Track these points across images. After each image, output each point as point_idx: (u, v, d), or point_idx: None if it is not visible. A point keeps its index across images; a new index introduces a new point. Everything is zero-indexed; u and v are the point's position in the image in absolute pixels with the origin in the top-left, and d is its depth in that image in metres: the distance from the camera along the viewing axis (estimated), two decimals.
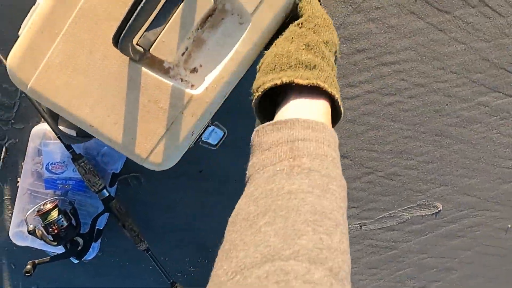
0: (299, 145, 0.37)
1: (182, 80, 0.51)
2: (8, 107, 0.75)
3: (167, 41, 0.49)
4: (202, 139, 0.57)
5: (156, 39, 0.49)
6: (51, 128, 0.69)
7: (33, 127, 0.75)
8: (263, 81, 0.43)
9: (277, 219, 0.33)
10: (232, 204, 0.39)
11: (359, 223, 0.94)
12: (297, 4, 0.49)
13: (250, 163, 0.40)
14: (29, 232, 0.70)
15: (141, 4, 0.42)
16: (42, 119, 0.77)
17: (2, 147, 0.77)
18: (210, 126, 0.56)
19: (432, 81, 0.84)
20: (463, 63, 0.84)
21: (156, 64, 0.50)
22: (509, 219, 1.00)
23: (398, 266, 0.99)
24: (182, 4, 0.48)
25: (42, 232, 0.72)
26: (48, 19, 0.47)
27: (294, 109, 0.42)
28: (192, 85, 0.51)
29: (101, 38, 0.48)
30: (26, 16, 0.50)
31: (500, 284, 1.09)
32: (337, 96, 0.43)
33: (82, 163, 0.72)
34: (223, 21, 0.49)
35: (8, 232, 0.79)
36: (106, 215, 0.80)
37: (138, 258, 0.87)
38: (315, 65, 0.43)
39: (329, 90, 0.42)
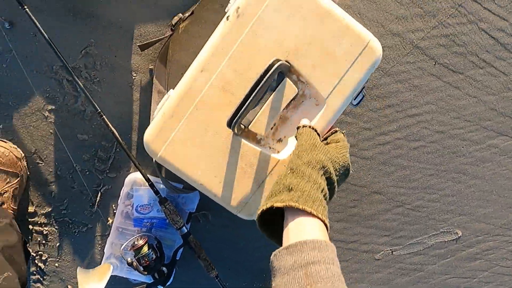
0: (312, 270, 0.44)
1: (270, 148, 0.67)
2: (105, 160, 0.91)
3: (261, 120, 0.65)
4: None
5: (254, 118, 0.65)
6: (162, 181, 0.85)
7: (123, 176, 0.92)
8: (261, 205, 0.54)
9: None
10: None
11: (390, 249, 1.08)
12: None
13: (273, 285, 0.48)
14: (128, 264, 0.86)
15: (250, 98, 0.59)
16: (132, 169, 0.93)
17: (98, 193, 0.93)
18: None
19: (450, 128, 1.01)
20: (475, 113, 1.00)
21: (251, 136, 0.67)
22: None
23: (425, 286, 1.13)
24: (274, 92, 0.64)
25: (136, 264, 0.87)
26: (176, 107, 0.63)
27: (295, 229, 0.50)
28: (278, 152, 0.67)
29: (214, 120, 0.64)
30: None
31: None
32: (311, 210, 0.50)
33: (168, 205, 0.88)
34: (303, 103, 0.66)
35: (100, 263, 0.94)
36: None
37: (206, 285, 1.01)
38: (292, 187, 0.51)
39: (301, 207, 0.49)
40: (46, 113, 0.87)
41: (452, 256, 1.12)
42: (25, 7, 0.73)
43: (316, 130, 0.61)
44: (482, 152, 1.04)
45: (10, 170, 0.83)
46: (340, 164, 0.60)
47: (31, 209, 0.92)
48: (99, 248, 0.97)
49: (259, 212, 0.53)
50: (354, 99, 0.69)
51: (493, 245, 1.13)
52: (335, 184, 0.59)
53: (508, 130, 1.03)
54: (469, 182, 1.06)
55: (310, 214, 0.50)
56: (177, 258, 0.96)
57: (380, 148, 1.00)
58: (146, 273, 0.87)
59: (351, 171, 0.63)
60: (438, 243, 1.10)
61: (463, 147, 1.03)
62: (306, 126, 0.61)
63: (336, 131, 0.67)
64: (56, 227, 0.94)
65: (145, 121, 0.89)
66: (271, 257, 0.50)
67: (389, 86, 0.95)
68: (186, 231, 0.90)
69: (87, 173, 0.91)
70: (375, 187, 1.03)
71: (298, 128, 0.62)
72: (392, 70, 0.94)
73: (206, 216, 0.98)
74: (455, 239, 1.11)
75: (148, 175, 0.85)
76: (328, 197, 0.57)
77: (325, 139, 0.66)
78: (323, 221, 0.52)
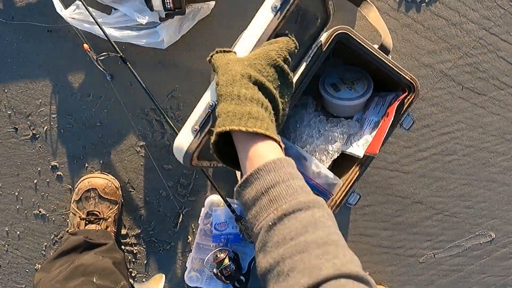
0: (273, 194, 0.44)
1: None
2: (186, 186, 1.06)
3: None
4: (348, 201, 0.87)
5: None
6: (223, 199, 1.00)
7: (201, 199, 1.06)
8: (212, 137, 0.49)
9: (296, 263, 0.39)
10: None
11: (433, 253, 1.22)
12: None
13: (247, 218, 0.47)
14: (214, 275, 0.99)
15: None
16: (209, 192, 1.08)
17: (180, 214, 1.08)
18: (353, 193, 0.87)
19: (479, 143, 1.15)
20: (499, 128, 1.15)
21: None
22: None
23: (465, 285, 1.26)
24: None
25: (220, 274, 1.01)
26: None
27: (247, 157, 0.47)
28: None
29: None
30: None
31: None
32: (254, 129, 0.46)
33: (243, 222, 1.02)
34: None
35: (182, 276, 1.08)
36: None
37: None
38: (224, 112, 0.48)
39: (242, 129, 0.46)
40: (138, 149, 1.02)
41: (487, 257, 1.25)
42: (128, 63, 0.90)
43: (229, 50, 0.55)
44: (509, 162, 1.18)
45: (112, 199, 0.99)
46: (263, 64, 0.51)
47: (123, 231, 1.07)
48: (181, 263, 1.11)
49: (211, 141, 0.49)
50: (407, 125, 0.85)
51: None
52: (270, 86, 0.52)
53: None
54: (498, 189, 1.20)
55: (256, 134, 0.47)
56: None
57: (419, 163, 1.14)
58: (228, 282, 1.01)
59: (290, 75, 0.55)
60: (474, 245, 1.23)
61: (491, 159, 1.17)
62: (214, 53, 0.55)
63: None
64: (144, 246, 1.08)
65: None
66: (235, 194, 0.48)
67: (425, 109, 1.11)
68: None
69: (171, 197, 1.06)
70: (416, 198, 1.17)
71: (208, 60, 0.56)
72: (426, 96, 1.10)
73: None
74: (489, 240, 1.24)
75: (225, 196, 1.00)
76: (272, 106, 0.52)
77: None
78: (272, 138, 0.48)
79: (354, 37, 0.77)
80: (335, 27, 0.77)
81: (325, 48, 0.77)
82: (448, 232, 1.21)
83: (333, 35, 0.77)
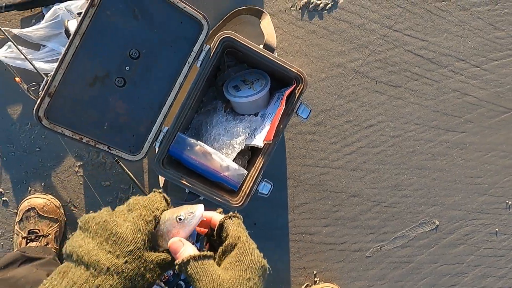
0: None
1: None
2: (124, 200, 1.13)
3: None
4: (259, 190, 0.92)
5: None
6: None
7: None
8: None
9: None
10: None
11: (378, 245, 1.23)
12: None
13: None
14: None
15: None
16: None
17: None
18: (262, 181, 0.92)
19: (403, 132, 1.21)
20: (421, 116, 1.21)
21: None
22: (495, 224, 1.28)
23: (419, 276, 1.25)
24: None
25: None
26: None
27: None
28: None
29: None
30: None
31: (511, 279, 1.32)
32: None
33: None
34: None
35: None
36: None
37: None
38: None
39: None
40: (76, 169, 1.11)
41: (436, 245, 1.26)
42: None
43: (205, 255, 0.51)
44: (436, 148, 1.23)
45: (52, 216, 1.05)
46: (254, 278, 0.51)
47: None
48: None
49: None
50: (303, 114, 0.92)
51: (471, 230, 1.27)
52: None
53: (454, 126, 1.23)
54: (432, 175, 1.23)
55: None
56: None
57: (348, 157, 1.20)
58: (166, 287, 1.04)
59: (268, 267, 0.54)
60: (419, 234, 1.25)
61: (418, 146, 1.22)
62: (191, 260, 0.50)
63: (222, 224, 0.56)
64: None
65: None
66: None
67: (343, 106, 1.18)
68: (197, 248, 1.08)
69: None
70: (351, 191, 1.21)
71: (180, 265, 0.50)
72: (343, 93, 1.17)
73: None
74: (434, 228, 1.25)
75: None
76: None
77: (219, 242, 0.56)
78: None
79: (237, 39, 0.87)
80: (219, 33, 0.87)
81: (213, 52, 0.87)
82: (390, 223, 1.23)
83: (218, 40, 0.86)
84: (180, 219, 0.54)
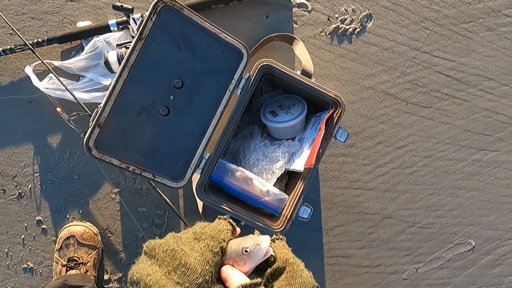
0: None
1: None
2: (160, 225, 1.14)
3: None
4: (299, 215, 0.93)
5: None
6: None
7: None
8: None
9: None
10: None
11: (414, 267, 1.21)
12: None
13: None
14: None
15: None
16: (183, 229, 1.14)
17: None
18: (302, 206, 0.92)
19: (435, 152, 1.21)
20: (452, 136, 1.21)
21: None
22: None
23: None
24: None
25: None
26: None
27: None
28: None
29: None
30: None
31: None
32: None
33: None
34: None
35: None
36: None
37: None
38: None
39: None
40: (113, 195, 1.12)
41: (473, 266, 1.23)
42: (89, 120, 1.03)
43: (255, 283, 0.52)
44: (469, 167, 1.22)
45: (91, 244, 1.06)
46: None
47: (106, 276, 1.13)
48: None
49: None
50: (341, 137, 0.93)
51: (508, 249, 1.25)
52: None
53: (485, 145, 1.22)
54: (466, 195, 1.22)
55: None
56: None
57: (381, 178, 1.20)
58: None
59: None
60: (456, 255, 1.23)
61: (451, 166, 1.22)
62: None
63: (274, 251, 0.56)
64: None
65: (187, 189, 1.13)
66: None
67: (375, 127, 1.19)
68: None
69: (147, 238, 1.13)
70: (385, 213, 1.20)
71: None
72: (374, 115, 1.18)
73: None
74: (470, 249, 1.23)
75: None
76: None
77: (265, 264, 0.57)
78: None
79: (276, 66, 0.89)
80: (258, 61, 0.89)
81: (252, 80, 0.89)
82: (426, 244, 1.22)
83: (258, 68, 0.89)
84: (246, 250, 0.55)
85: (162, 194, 1.04)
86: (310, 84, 0.90)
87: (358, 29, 1.16)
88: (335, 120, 0.92)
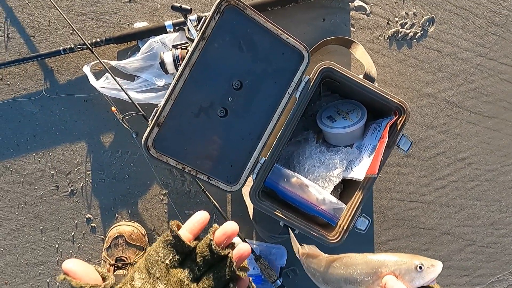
0: None
1: None
2: (206, 229, 1.12)
3: None
4: (356, 226, 0.88)
5: None
6: (242, 240, 1.03)
7: None
8: None
9: None
10: None
11: None
12: None
13: None
14: None
15: None
16: None
17: None
18: (360, 217, 0.88)
19: (500, 166, 1.12)
20: None
21: None
22: None
23: None
24: None
25: None
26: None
27: None
28: None
29: None
30: None
31: None
32: None
33: (262, 261, 1.04)
34: None
35: None
36: None
37: None
38: None
39: None
40: (162, 197, 1.11)
41: None
42: (149, 120, 1.03)
43: None
44: None
45: (139, 245, 1.06)
46: None
47: None
48: None
49: None
50: (404, 146, 0.87)
51: None
52: None
53: None
54: None
55: None
56: None
57: (439, 192, 1.12)
58: None
59: None
60: None
61: None
62: None
63: None
64: None
65: (235, 194, 1.11)
66: None
67: (434, 137, 1.12)
68: (280, 283, 1.04)
69: None
70: (443, 229, 1.12)
71: None
72: (433, 124, 1.12)
73: (295, 271, 1.12)
74: None
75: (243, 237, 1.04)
76: None
77: None
78: None
79: (337, 69, 0.85)
80: (319, 64, 0.86)
81: (312, 82, 0.85)
82: (487, 265, 1.13)
83: (318, 71, 0.85)
84: (420, 267, 0.53)
85: (211, 198, 1.02)
86: (373, 89, 0.86)
87: (419, 34, 1.11)
88: (398, 128, 0.87)
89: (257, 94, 0.84)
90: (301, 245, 0.84)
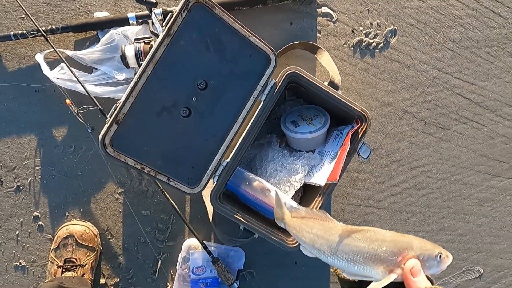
0: None
1: None
2: (164, 230, 1.09)
3: None
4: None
5: None
6: (200, 242, 1.01)
7: (179, 243, 1.08)
8: None
9: None
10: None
11: None
12: None
13: None
14: None
15: None
16: (187, 236, 1.09)
17: (158, 261, 1.08)
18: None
19: (450, 175, 1.18)
20: (468, 160, 1.19)
21: None
22: None
23: None
24: None
25: None
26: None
27: None
28: None
29: None
30: None
31: None
32: None
33: (219, 264, 1.02)
34: None
35: None
36: None
37: None
38: None
39: None
40: (117, 196, 1.07)
41: None
42: (106, 115, 0.98)
43: None
44: (483, 193, 1.20)
45: (90, 245, 1.01)
46: None
47: (102, 281, 1.07)
48: None
49: None
50: (364, 154, 0.89)
51: None
52: None
53: (500, 171, 1.20)
54: (478, 221, 1.20)
55: None
56: None
57: (394, 198, 1.17)
58: None
59: None
60: (463, 281, 1.20)
61: (465, 190, 1.19)
62: None
63: None
64: None
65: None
66: None
67: (391, 145, 1.16)
68: (237, 286, 1.03)
69: (149, 243, 1.08)
70: None
71: None
72: (391, 132, 1.16)
73: (252, 274, 1.12)
74: (478, 276, 1.21)
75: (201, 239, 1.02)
76: None
77: None
78: None
79: (303, 75, 0.86)
80: (285, 68, 0.86)
81: (278, 86, 0.85)
82: None
83: (285, 75, 0.85)
84: (440, 256, 0.54)
85: (170, 198, 0.99)
86: (337, 97, 0.87)
87: (381, 44, 1.14)
88: (359, 136, 0.89)
89: (223, 95, 0.83)
90: (292, 210, 0.77)
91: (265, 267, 1.12)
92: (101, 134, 0.74)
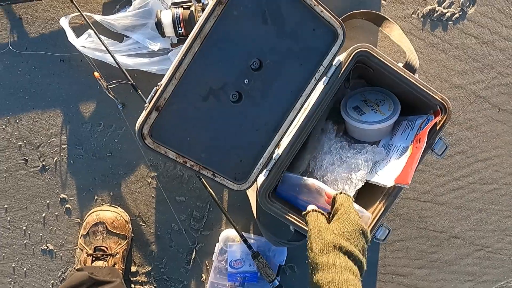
0: None
1: None
2: (199, 219, 1.00)
3: None
4: (376, 236, 0.78)
5: None
6: (239, 234, 0.92)
7: (215, 233, 0.99)
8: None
9: None
10: None
11: None
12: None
13: None
14: None
15: None
16: (224, 227, 1.00)
17: (193, 250, 1.00)
18: (381, 226, 0.78)
19: None
20: None
21: None
22: None
23: None
24: None
25: None
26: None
27: None
28: None
29: None
30: None
31: None
32: None
33: (260, 259, 0.94)
34: None
35: None
36: None
37: None
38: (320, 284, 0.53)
39: None
40: (149, 180, 0.97)
41: None
42: (139, 91, 0.86)
43: (321, 212, 0.62)
44: None
45: (121, 233, 0.93)
46: (350, 232, 0.58)
47: (133, 268, 1.00)
48: None
49: None
50: (439, 151, 0.76)
51: None
52: (359, 255, 0.57)
53: None
54: None
55: None
56: None
57: (455, 193, 1.04)
58: None
59: (367, 230, 0.60)
60: None
61: None
62: (309, 212, 0.62)
63: (334, 198, 0.64)
64: (154, 285, 1.01)
65: None
66: None
67: (457, 134, 1.01)
68: (278, 283, 0.95)
69: (183, 232, 1.00)
70: (453, 232, 1.05)
71: (304, 215, 0.64)
72: (458, 119, 1.01)
73: (293, 268, 1.03)
74: None
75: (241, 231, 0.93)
76: (359, 270, 0.56)
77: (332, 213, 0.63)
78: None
79: (375, 55, 0.71)
80: (354, 46, 0.71)
81: (344, 68, 0.71)
82: (492, 271, 1.08)
83: (353, 54, 0.71)
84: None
85: (208, 186, 0.89)
86: (415, 82, 0.73)
87: (456, 15, 0.97)
88: (436, 130, 0.75)
89: (279, 77, 0.69)
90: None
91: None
92: (138, 122, 0.63)
